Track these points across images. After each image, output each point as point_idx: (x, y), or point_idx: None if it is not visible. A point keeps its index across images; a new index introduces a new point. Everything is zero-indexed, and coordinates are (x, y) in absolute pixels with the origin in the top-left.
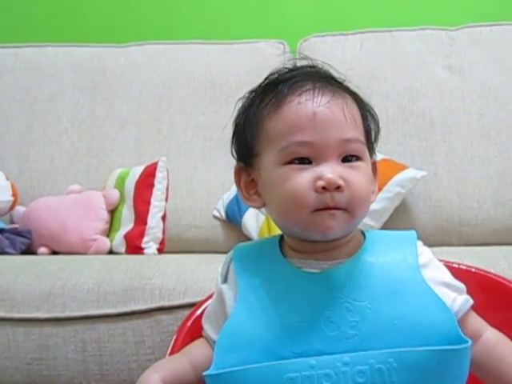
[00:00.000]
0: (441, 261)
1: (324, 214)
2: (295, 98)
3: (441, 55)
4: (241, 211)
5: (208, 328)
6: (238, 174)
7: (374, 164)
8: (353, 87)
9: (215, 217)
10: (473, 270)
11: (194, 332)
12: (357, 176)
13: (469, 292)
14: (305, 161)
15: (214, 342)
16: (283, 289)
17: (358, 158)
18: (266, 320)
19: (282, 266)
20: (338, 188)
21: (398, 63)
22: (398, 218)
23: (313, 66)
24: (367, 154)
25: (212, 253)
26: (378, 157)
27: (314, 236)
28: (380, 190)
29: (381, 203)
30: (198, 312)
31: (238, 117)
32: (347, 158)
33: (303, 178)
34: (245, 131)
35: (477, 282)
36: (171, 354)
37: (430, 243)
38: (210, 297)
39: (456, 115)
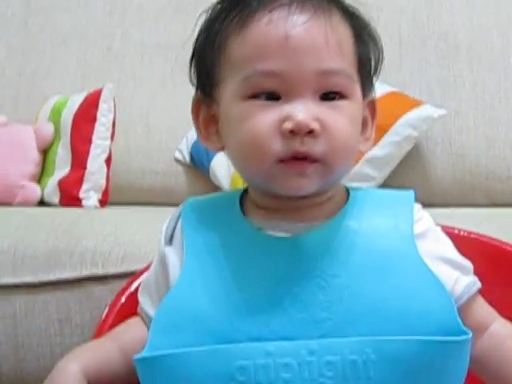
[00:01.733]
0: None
1: (290, 171)
2: (265, 15)
3: None
4: (209, 154)
5: (144, 302)
6: (197, 106)
7: (371, 104)
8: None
9: (177, 160)
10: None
11: (130, 309)
12: (338, 118)
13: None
14: (272, 96)
15: (151, 320)
16: (239, 256)
17: (341, 96)
18: (216, 294)
19: (240, 226)
20: (311, 133)
21: None
22: (409, 167)
23: None
24: (356, 90)
25: (171, 206)
26: (385, 89)
27: (279, 191)
28: (385, 130)
29: (386, 148)
30: (136, 283)
31: (198, 35)
32: (327, 96)
33: (266, 118)
34: (205, 53)
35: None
36: (97, 336)
37: (447, 201)
38: (149, 266)
39: (488, 37)
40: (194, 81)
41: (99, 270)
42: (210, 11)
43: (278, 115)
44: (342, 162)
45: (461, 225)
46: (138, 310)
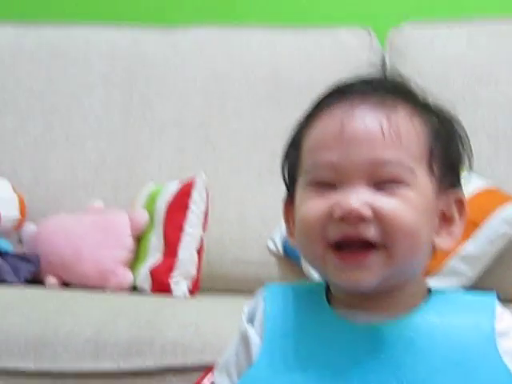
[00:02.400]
0: None
1: (348, 263)
2: (329, 111)
3: None
4: None
5: (222, 382)
6: (286, 207)
7: (458, 201)
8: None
9: (270, 250)
10: None
11: None
12: (395, 204)
13: None
14: (329, 185)
15: None
16: (319, 341)
17: (398, 183)
18: (294, 377)
19: (322, 313)
20: (363, 219)
21: None
22: (504, 265)
23: (387, 79)
24: (419, 181)
25: None
26: (482, 184)
27: (339, 284)
28: (477, 225)
29: (478, 245)
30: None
31: (289, 137)
32: (382, 185)
33: (317, 205)
34: (289, 153)
35: None
36: None
37: None
38: None
39: None
40: (285, 182)
41: (178, 361)
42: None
43: (329, 202)
44: (406, 249)
45: None
46: None
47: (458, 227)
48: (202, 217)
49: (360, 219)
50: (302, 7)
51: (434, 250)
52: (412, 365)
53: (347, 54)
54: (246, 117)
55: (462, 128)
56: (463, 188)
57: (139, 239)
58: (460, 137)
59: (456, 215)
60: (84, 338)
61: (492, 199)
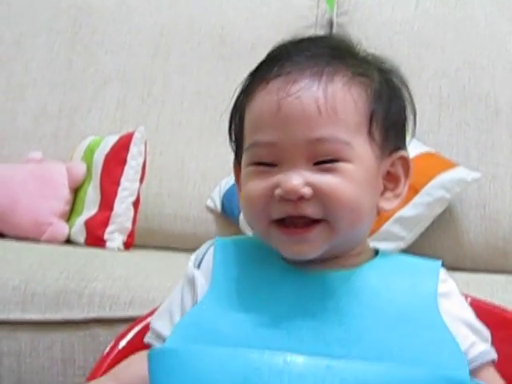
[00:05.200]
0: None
1: (290, 238)
2: (264, 86)
3: None
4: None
5: (162, 325)
6: (236, 169)
7: (403, 161)
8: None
9: (208, 208)
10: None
11: (128, 354)
12: (334, 180)
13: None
14: (271, 164)
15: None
16: (266, 286)
17: (337, 160)
18: (238, 318)
19: (271, 261)
20: (302, 198)
21: (461, 30)
22: (440, 229)
23: (328, 37)
24: (358, 152)
25: None
26: (422, 149)
27: (283, 254)
28: (417, 191)
29: (416, 209)
30: (136, 329)
31: (235, 101)
32: (322, 161)
33: (261, 184)
34: (232, 119)
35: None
36: (92, 378)
37: (479, 266)
38: (154, 311)
39: None
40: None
41: (105, 313)
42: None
43: (271, 182)
44: (348, 222)
45: (490, 291)
46: (148, 339)
47: (403, 187)
48: (139, 170)
49: (300, 198)
50: None
51: (378, 211)
52: (357, 314)
53: (294, 13)
54: (189, 72)
55: (407, 85)
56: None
57: (76, 191)
58: (403, 95)
59: (401, 174)
60: (11, 287)
61: (432, 164)
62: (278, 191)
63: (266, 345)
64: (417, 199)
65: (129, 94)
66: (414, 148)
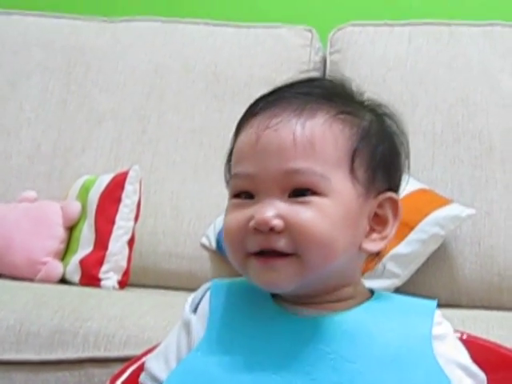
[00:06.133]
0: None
1: (259, 265)
2: (250, 121)
3: (510, 60)
4: None
5: (158, 367)
6: None
7: (391, 201)
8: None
9: (203, 245)
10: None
11: None
12: (306, 213)
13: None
14: (250, 196)
15: None
16: (259, 332)
17: (313, 193)
18: (230, 366)
19: (266, 306)
20: (273, 230)
21: (454, 67)
22: (435, 266)
23: (323, 79)
24: (336, 186)
25: (194, 291)
26: (416, 185)
27: (258, 286)
28: (412, 228)
29: (411, 246)
30: (131, 369)
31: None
32: (297, 193)
33: (237, 217)
34: (228, 158)
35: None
36: None
37: (474, 302)
38: (149, 350)
39: None
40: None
41: (100, 353)
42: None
43: (247, 214)
44: (319, 258)
45: (485, 327)
46: (142, 379)
47: (391, 229)
48: (134, 209)
49: (271, 230)
50: (245, 5)
51: (364, 252)
52: (350, 357)
53: (288, 52)
54: (183, 111)
55: (401, 126)
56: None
57: (71, 230)
58: (397, 136)
59: (390, 216)
60: (6, 326)
61: (426, 201)
62: (251, 223)
63: None
64: (411, 236)
65: (123, 132)
66: (408, 185)
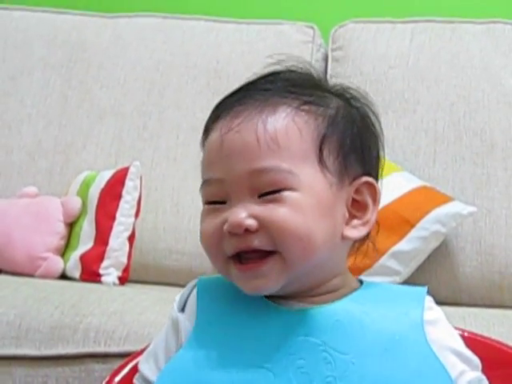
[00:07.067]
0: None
1: (245, 273)
2: (214, 123)
3: None
4: None
5: (148, 368)
6: None
7: (369, 186)
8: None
9: None
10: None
11: None
12: (279, 210)
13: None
14: (222, 200)
15: None
16: (249, 326)
17: (282, 190)
18: (222, 363)
19: (255, 300)
20: (248, 230)
21: (457, 64)
22: (436, 263)
23: (288, 71)
24: (305, 179)
25: None
26: (417, 183)
27: (243, 290)
28: (413, 225)
29: (412, 243)
30: (131, 364)
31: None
32: (267, 192)
33: (211, 223)
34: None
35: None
36: None
37: (475, 300)
38: (149, 346)
39: None
40: None
41: (100, 348)
42: None
43: (220, 219)
44: (300, 252)
45: (486, 325)
46: (136, 380)
47: (371, 213)
48: (134, 205)
49: (246, 231)
50: (247, 2)
51: (351, 240)
52: (342, 349)
53: (290, 48)
54: (184, 107)
55: (373, 108)
56: (380, 173)
57: (72, 226)
58: (369, 118)
59: (369, 201)
60: (6, 322)
61: (427, 199)
62: (225, 227)
63: None
64: (413, 234)
65: (124, 128)
66: (409, 182)
